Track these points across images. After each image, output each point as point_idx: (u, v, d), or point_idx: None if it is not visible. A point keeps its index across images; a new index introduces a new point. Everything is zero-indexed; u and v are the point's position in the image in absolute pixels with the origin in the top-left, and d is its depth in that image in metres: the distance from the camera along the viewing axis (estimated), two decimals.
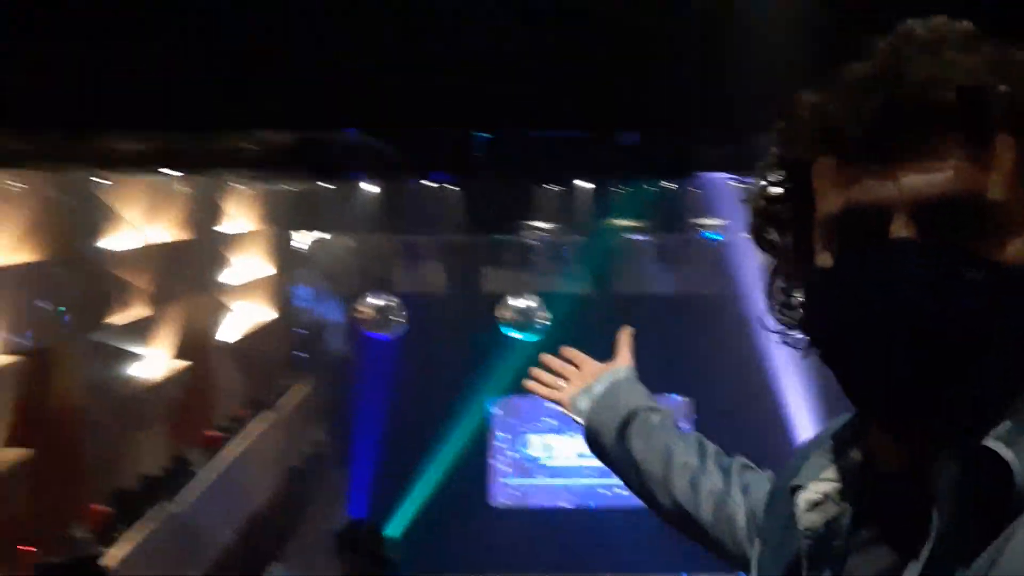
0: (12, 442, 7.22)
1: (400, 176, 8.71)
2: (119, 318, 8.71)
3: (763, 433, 12.74)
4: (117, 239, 8.60)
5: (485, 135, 4.11)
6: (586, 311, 12.08)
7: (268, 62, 3.33)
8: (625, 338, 1.69)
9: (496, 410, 14.59)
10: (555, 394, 1.62)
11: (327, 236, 13.02)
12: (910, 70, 0.75)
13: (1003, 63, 0.75)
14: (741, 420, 13.46)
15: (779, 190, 0.87)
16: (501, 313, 10.21)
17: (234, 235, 11.56)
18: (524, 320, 10.05)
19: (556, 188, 10.42)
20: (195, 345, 10.39)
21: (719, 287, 13.77)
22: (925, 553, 0.74)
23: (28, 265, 7.23)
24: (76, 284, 7.79)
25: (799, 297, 0.86)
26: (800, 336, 0.86)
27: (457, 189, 10.58)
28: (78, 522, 7.63)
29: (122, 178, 8.11)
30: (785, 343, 0.89)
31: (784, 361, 12.87)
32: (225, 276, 11.26)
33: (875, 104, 0.75)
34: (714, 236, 12.79)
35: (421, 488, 13.52)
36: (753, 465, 1.37)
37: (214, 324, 11.05)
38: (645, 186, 11.20)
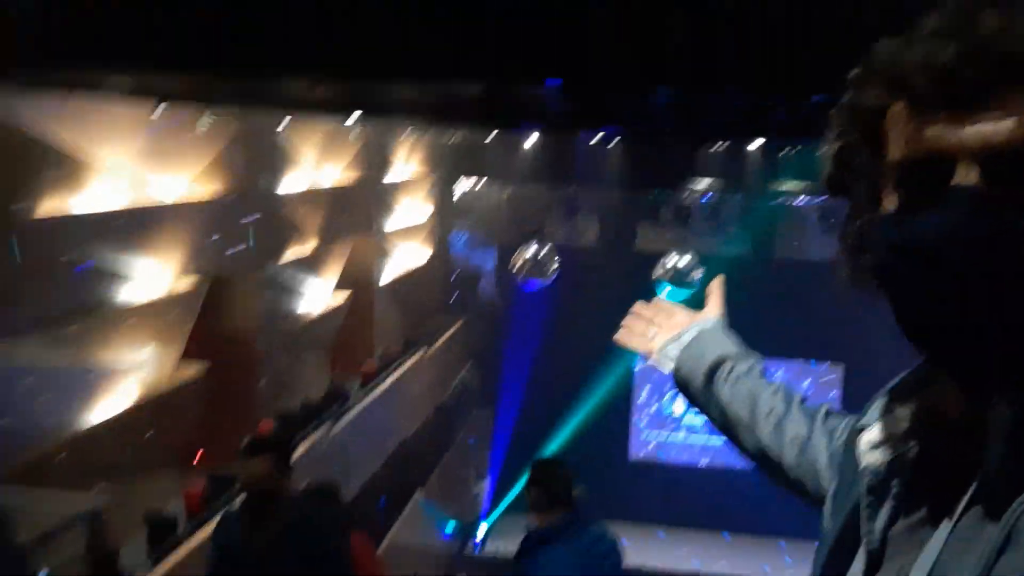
0: (191, 357, 7.83)
1: (574, 129, 8.74)
2: (290, 253, 9.21)
3: None
4: (293, 179, 9.04)
5: (666, 91, 4.08)
6: (742, 273, 11.88)
7: (455, 11, 3.42)
8: (716, 287, 1.65)
9: (641, 365, 14.62)
10: (646, 344, 1.60)
11: (487, 184, 13.25)
12: (983, 21, 0.75)
13: None
14: None
15: (853, 137, 0.88)
16: (657, 269, 10.19)
17: (399, 181, 11.94)
18: (679, 277, 9.99)
19: (722, 146, 10.20)
20: (357, 283, 10.87)
21: None
22: (971, 491, 0.77)
23: (211, 200, 7.72)
24: (253, 218, 8.27)
25: (870, 236, 0.87)
26: (870, 282, 0.87)
27: (620, 143, 10.52)
28: (248, 436, 8.19)
29: (302, 121, 8.50)
30: (856, 289, 0.90)
31: None
32: (389, 219, 11.67)
33: (947, 53, 0.75)
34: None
35: (563, 433, 13.77)
36: (840, 411, 1.37)
37: (375, 264, 11.50)
38: (813, 148, 10.83)
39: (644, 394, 14.90)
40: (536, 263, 10.00)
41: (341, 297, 10.58)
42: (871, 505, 0.89)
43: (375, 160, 10.99)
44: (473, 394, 13.72)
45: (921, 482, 0.86)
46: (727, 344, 1.52)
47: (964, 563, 0.75)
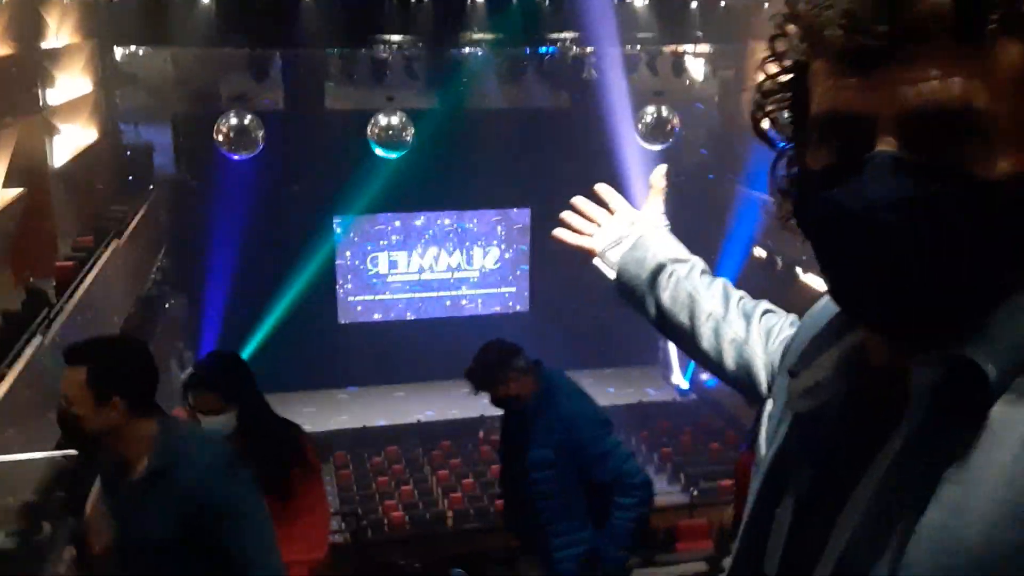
0: None
1: None
2: None
3: None
4: None
5: None
6: (439, 126, 12.04)
7: None
8: (657, 183, 1.59)
9: (343, 229, 14.49)
10: (586, 242, 1.55)
11: (158, 50, 12.00)
12: None
13: None
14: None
15: (777, 87, 0.85)
16: (369, 128, 10.00)
17: (58, 49, 10.48)
18: (391, 137, 9.91)
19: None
20: (28, 172, 9.57)
21: (564, 100, 14.02)
22: (893, 448, 0.77)
23: None
24: None
25: (795, 188, 0.85)
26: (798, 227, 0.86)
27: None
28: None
29: None
30: (785, 228, 0.89)
31: (629, 173, 13.47)
32: (52, 96, 10.27)
33: (865, 6, 0.72)
34: (549, 50, 12.86)
35: (273, 309, 13.42)
36: (776, 309, 1.39)
37: (45, 149, 10.15)
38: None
39: (348, 257, 14.84)
40: (239, 133, 9.39)
41: (13, 191, 9.28)
42: (799, 454, 0.89)
43: (30, 28, 9.52)
44: (172, 280, 12.83)
45: (848, 432, 0.85)
46: (668, 247, 1.50)
47: (888, 522, 0.76)
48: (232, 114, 9.45)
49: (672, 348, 14.01)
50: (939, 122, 0.72)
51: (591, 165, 13.85)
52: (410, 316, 15.23)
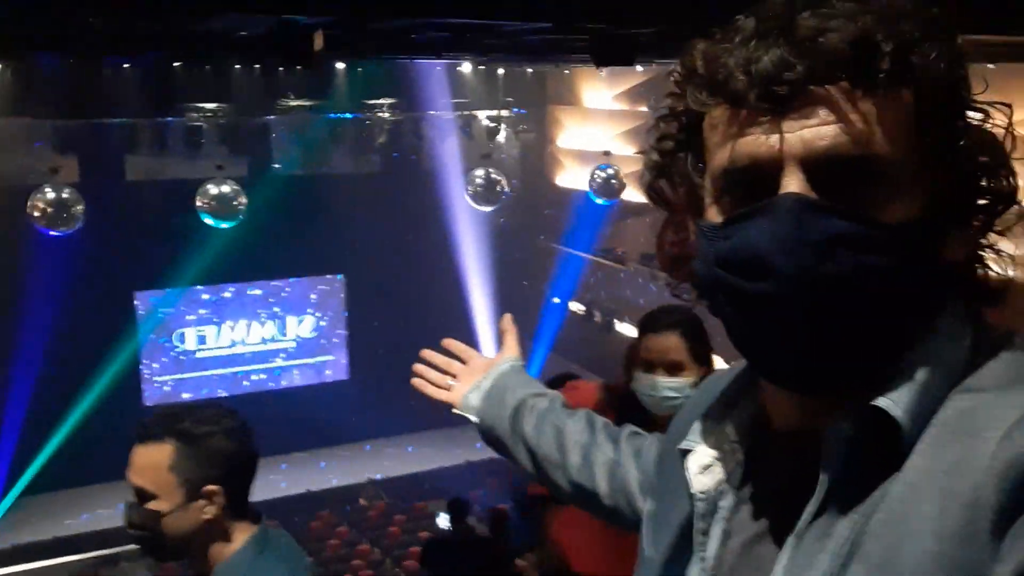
0: None
1: (91, 55, 7.63)
2: None
3: (412, 308, 13.51)
4: None
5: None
6: (248, 194, 11.75)
7: None
8: (508, 327, 1.61)
9: (147, 306, 13.64)
10: (444, 394, 1.58)
11: None
12: (802, 21, 0.74)
13: (895, 16, 0.74)
14: (393, 296, 14.12)
15: (671, 143, 0.86)
16: (199, 200, 9.56)
17: None
18: (222, 207, 9.53)
19: (236, 67, 9.85)
20: None
21: (380, 165, 14.05)
22: (811, 507, 0.76)
23: None
24: None
25: (689, 251, 0.85)
26: (690, 289, 0.87)
27: (125, 69, 9.50)
28: None
29: None
30: (675, 295, 0.90)
31: (450, 234, 13.67)
32: None
33: (766, 54, 0.74)
34: (344, 116, 12.86)
35: (77, 397, 12.36)
36: (642, 431, 1.42)
37: None
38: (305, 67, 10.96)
39: (153, 335, 13.95)
40: (57, 208, 8.70)
41: None
42: (705, 530, 0.86)
43: None
44: None
45: (754, 497, 0.85)
46: (526, 385, 1.51)
47: None
48: (45, 188, 8.73)
49: None
50: (843, 166, 0.73)
51: (405, 228, 13.98)
52: (222, 393, 14.48)
